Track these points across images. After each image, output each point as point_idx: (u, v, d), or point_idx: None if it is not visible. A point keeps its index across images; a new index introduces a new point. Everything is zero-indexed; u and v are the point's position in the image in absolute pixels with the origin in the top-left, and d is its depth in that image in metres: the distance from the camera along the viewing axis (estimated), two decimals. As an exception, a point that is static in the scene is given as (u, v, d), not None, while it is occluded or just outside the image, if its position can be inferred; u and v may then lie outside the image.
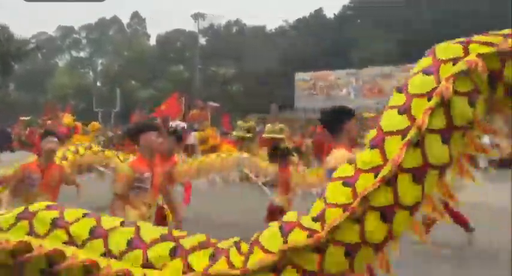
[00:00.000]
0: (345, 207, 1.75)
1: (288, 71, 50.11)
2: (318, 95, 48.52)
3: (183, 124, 14.62)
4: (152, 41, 71.16)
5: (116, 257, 1.93)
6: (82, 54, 75.41)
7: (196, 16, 50.61)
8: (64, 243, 2.00)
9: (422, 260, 5.00)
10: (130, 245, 1.96)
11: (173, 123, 14.35)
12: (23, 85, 62.14)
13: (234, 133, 13.89)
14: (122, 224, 2.08)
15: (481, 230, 6.06)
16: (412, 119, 1.76)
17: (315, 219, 1.80)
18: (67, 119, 25.08)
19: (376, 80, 45.77)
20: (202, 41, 60.55)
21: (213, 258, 1.87)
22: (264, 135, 12.03)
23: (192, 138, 14.53)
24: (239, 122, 14.86)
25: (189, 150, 14.23)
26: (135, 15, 74.48)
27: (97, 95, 53.85)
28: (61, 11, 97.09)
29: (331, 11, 68.06)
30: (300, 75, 49.61)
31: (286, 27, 63.63)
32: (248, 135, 11.94)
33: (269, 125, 12.72)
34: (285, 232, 1.81)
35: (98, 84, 62.63)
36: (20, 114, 47.35)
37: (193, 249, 1.92)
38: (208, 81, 52.39)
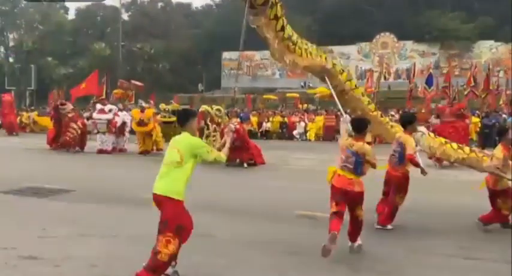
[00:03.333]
0: None
1: (214, 50, 49.50)
2: (245, 75, 48.71)
3: (115, 107, 13.97)
4: (71, 15, 66.39)
5: None
6: (-9, 27, 68.47)
7: (117, -12, 47.80)
8: None
9: None
10: None
11: (106, 107, 13.67)
12: None
13: (159, 117, 13.48)
14: None
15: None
16: None
17: None
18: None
19: (299, 61, 46.93)
20: (125, 16, 57.59)
21: None
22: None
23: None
24: (161, 105, 14.47)
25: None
26: (52, -14, 68.79)
27: (9, 73, 49.55)
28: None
29: (258, -10, 67.52)
30: (226, 55, 49.32)
31: (213, 5, 62.52)
32: (173, 118, 11.70)
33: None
34: None
35: (10, 60, 57.41)
36: None
37: None
38: (132, 59, 50.21)
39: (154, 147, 13.26)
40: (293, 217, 5.85)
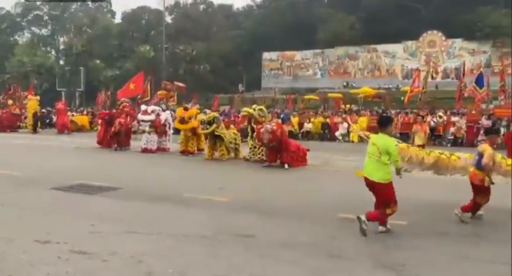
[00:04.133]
0: None
1: (255, 50, 49.64)
2: (285, 75, 48.53)
3: (158, 108, 14.38)
4: (117, 19, 68.77)
5: None
6: (44, 31, 72.08)
7: (162, -7, 48.99)
8: None
9: None
10: None
11: (149, 107, 14.08)
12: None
13: (200, 130, 13.56)
14: None
15: None
16: None
17: None
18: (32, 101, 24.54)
19: (342, 60, 46.12)
20: (168, 19, 58.98)
21: None
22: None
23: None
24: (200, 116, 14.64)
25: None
26: (99, -9, 71.52)
27: (60, 75, 51.92)
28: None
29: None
30: (267, 55, 49.34)
31: (254, 6, 62.77)
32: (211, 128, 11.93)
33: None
34: None
35: (61, 63, 60.19)
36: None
37: None
38: (175, 61, 51.31)
39: (195, 148, 13.50)
40: (336, 220, 5.77)
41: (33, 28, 72.12)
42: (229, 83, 50.61)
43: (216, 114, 12.88)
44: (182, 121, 13.19)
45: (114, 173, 9.67)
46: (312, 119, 21.07)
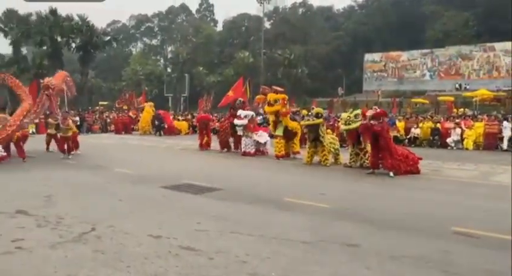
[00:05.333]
0: None
1: (356, 52, 48.37)
2: (389, 77, 46.47)
3: (251, 112, 14.73)
4: (219, 27, 72.15)
5: None
6: (154, 41, 78.42)
7: (261, -1, 50.18)
8: None
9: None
10: None
11: (242, 113, 14.51)
12: (100, 72, 66.06)
13: (303, 122, 13.40)
14: None
15: None
16: None
17: None
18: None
19: (453, 60, 42.78)
20: (267, 24, 60.19)
21: None
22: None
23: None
24: (303, 111, 14.53)
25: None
26: (204, 1, 75.73)
27: (167, 81, 55.82)
28: (131, 0, 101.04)
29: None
30: (369, 57, 47.74)
31: (355, 6, 61.29)
32: (318, 121, 11.64)
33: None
34: None
35: (168, 70, 64.77)
36: (98, 99, 50.66)
37: None
38: (272, 65, 52.18)
39: (289, 151, 13.49)
40: (448, 233, 5.28)
41: (145, 39, 78.92)
42: (328, 87, 50.04)
43: (322, 110, 12.55)
44: (269, 104, 13.30)
45: (215, 174, 10.03)
46: (420, 124, 19.60)
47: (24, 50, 48.40)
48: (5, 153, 11.50)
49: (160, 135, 24.40)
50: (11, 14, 41.44)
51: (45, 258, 4.15)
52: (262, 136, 14.44)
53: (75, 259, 4.12)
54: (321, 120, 11.51)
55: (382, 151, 9.85)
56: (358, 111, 11.16)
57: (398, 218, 6.06)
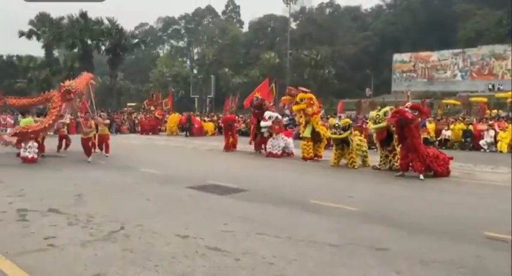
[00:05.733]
0: None
1: (384, 52, 47.61)
2: (419, 78, 45.50)
3: (276, 114, 14.70)
4: (246, 28, 72.40)
5: None
6: (181, 43, 79.47)
7: (288, 0, 50.04)
8: None
9: None
10: None
11: (267, 114, 14.50)
12: (129, 74, 67.39)
13: (329, 133, 13.17)
14: None
15: None
16: None
17: None
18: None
19: (486, 60, 41.49)
20: (293, 25, 59.99)
21: None
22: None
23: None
24: (331, 120, 14.41)
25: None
26: (230, 3, 76.24)
27: (193, 83, 56.40)
28: (157, 2, 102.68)
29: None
30: (398, 57, 46.88)
31: (383, 5, 60.36)
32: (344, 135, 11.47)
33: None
34: None
35: (194, 72, 65.49)
36: (126, 101, 51.72)
37: None
38: (299, 66, 51.97)
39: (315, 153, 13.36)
40: (481, 238, 5.10)
41: (172, 41, 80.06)
42: (355, 87, 49.46)
43: (349, 121, 12.25)
44: (297, 103, 13.28)
45: (241, 175, 10.06)
46: (452, 126, 19.12)
47: (55, 53, 49.91)
48: (36, 156, 11.82)
49: (187, 136, 24.68)
50: (43, 17, 42.67)
51: (76, 256, 4.24)
52: (284, 139, 14.42)
53: (105, 257, 4.19)
54: (347, 133, 11.30)
55: (411, 153, 9.63)
56: (387, 108, 10.91)
57: (428, 221, 5.91)
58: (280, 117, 15.04)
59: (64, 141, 14.89)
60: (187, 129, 25.36)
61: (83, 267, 3.93)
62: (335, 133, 11.48)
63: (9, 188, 7.94)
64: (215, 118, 29.62)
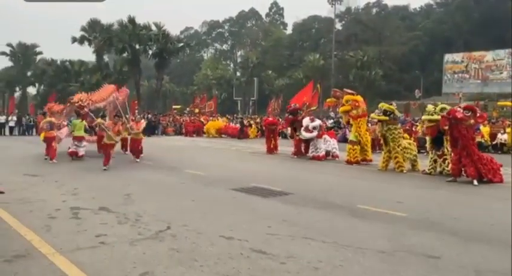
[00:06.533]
0: None
1: (435, 52, 45.88)
2: (471, 79, 43.49)
3: (318, 122, 14.49)
4: (289, 30, 72.23)
5: None
6: (224, 46, 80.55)
7: (333, 0, 49.40)
8: None
9: None
10: None
11: (307, 123, 14.27)
12: (174, 77, 69.07)
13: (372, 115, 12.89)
14: None
15: None
16: None
17: None
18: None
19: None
20: (338, 25, 59.15)
21: None
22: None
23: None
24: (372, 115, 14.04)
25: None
26: (274, 5, 76.40)
27: (237, 85, 56.95)
28: (202, 6, 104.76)
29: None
30: (449, 57, 45.03)
31: (433, 4, 58.25)
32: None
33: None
34: None
35: (238, 74, 66.16)
36: (172, 103, 53.01)
37: None
38: (344, 67, 51.12)
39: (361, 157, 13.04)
40: (541, 248, 4.77)
41: (216, 44, 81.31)
42: (403, 89, 48.00)
43: (395, 108, 11.73)
44: (343, 104, 13.28)
45: (285, 178, 9.99)
46: (508, 129, 18.18)
47: (106, 58, 51.97)
48: (84, 153, 13.01)
49: (240, 138, 24.99)
50: (94, 24, 44.57)
51: (125, 254, 4.35)
52: (327, 140, 14.22)
53: (152, 256, 4.27)
54: (385, 117, 11.01)
55: (464, 157, 9.19)
56: (445, 106, 10.49)
57: (483, 229, 5.60)
58: (321, 124, 14.94)
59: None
60: (240, 132, 25.86)
61: (132, 265, 4.02)
62: (378, 114, 11.35)
63: (63, 187, 8.32)
64: (258, 120, 29.73)
